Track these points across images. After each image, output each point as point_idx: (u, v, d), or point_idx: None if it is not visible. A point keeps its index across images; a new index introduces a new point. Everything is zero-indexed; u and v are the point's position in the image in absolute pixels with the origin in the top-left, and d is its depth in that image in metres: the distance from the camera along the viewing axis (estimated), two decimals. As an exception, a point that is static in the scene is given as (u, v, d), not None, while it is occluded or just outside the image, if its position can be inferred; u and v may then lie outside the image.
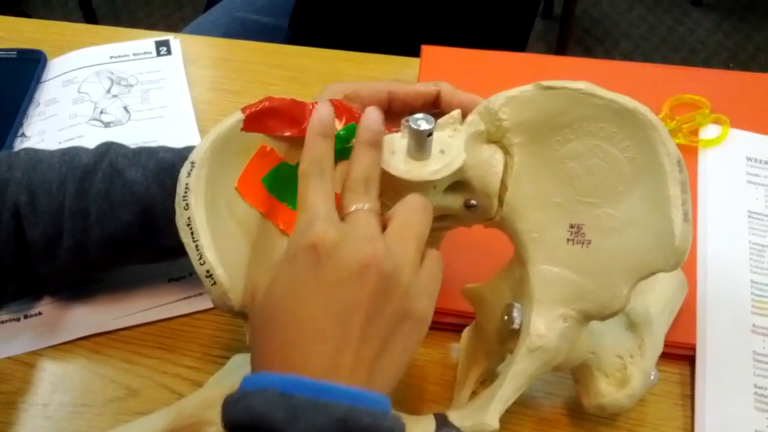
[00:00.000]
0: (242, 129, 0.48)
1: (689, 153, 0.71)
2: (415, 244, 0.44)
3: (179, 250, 0.56)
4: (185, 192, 0.45)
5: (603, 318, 0.48)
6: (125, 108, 0.78)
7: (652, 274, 0.46)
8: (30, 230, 0.57)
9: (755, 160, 0.71)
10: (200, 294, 0.65)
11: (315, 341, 0.40)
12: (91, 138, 0.75)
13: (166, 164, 0.57)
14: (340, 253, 0.41)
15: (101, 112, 0.78)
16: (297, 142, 0.49)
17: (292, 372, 0.39)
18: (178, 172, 0.46)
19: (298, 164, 0.49)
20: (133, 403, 0.59)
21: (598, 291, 0.47)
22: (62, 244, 0.57)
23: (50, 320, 0.63)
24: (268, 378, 0.39)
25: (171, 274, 0.66)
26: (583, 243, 0.48)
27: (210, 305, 0.63)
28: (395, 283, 0.42)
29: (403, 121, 0.48)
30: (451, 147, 0.49)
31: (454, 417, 0.48)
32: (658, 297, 0.57)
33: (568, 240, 0.49)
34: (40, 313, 0.64)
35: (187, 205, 0.45)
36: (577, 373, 0.55)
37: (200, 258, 0.44)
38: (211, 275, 0.44)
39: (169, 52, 0.83)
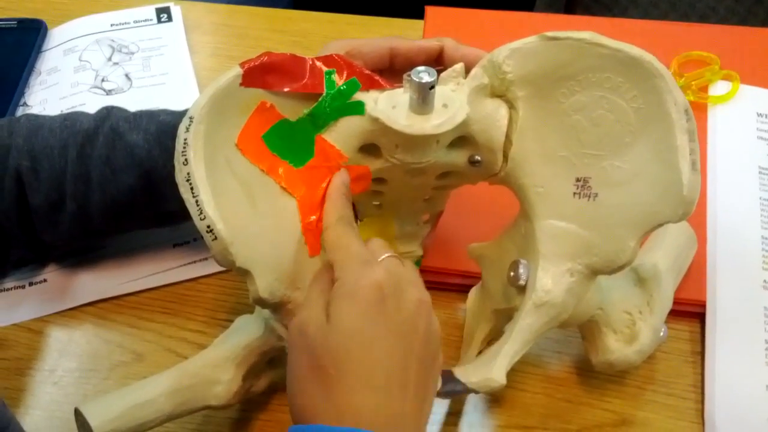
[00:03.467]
0: (241, 84, 0.46)
1: (699, 110, 0.70)
2: None
3: (182, 215, 0.56)
4: (184, 147, 0.44)
5: (610, 272, 0.47)
6: (126, 75, 0.77)
7: (660, 225, 0.45)
8: (33, 196, 0.56)
9: (765, 115, 0.70)
10: (205, 259, 0.64)
11: (377, 389, 0.40)
12: (92, 106, 0.73)
13: (167, 127, 0.57)
14: (401, 294, 0.42)
15: (102, 80, 0.77)
16: (297, 97, 0.48)
17: (352, 419, 0.39)
18: None
19: (299, 121, 0.49)
20: (140, 368, 0.59)
21: (605, 244, 0.47)
22: (65, 209, 0.57)
23: (55, 287, 0.63)
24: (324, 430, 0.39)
25: (175, 239, 0.65)
26: (589, 196, 0.47)
27: (214, 269, 0.63)
28: (434, 327, 0.44)
29: (405, 75, 0.47)
30: (454, 101, 0.48)
31: (460, 373, 0.48)
32: (666, 253, 0.56)
33: (574, 194, 0.48)
34: (45, 281, 0.64)
35: (186, 160, 0.44)
36: (585, 330, 0.54)
37: (200, 213, 0.43)
38: (211, 230, 0.43)
39: (169, 18, 0.82)
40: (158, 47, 0.80)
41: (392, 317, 0.41)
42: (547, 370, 0.58)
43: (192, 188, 0.43)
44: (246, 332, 0.52)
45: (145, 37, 0.81)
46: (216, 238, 0.43)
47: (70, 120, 0.58)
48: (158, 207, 0.58)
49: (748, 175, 0.66)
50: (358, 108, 0.48)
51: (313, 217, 0.48)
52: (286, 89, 0.48)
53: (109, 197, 0.56)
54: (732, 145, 0.68)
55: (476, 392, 0.49)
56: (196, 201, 0.43)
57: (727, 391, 0.55)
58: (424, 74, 0.45)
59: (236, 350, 0.51)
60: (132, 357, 0.60)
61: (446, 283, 0.62)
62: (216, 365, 0.51)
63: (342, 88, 0.48)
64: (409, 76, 0.46)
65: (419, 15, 0.79)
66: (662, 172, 0.45)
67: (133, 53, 0.79)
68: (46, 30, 0.81)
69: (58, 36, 0.81)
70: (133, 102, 0.75)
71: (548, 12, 1.95)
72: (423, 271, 0.61)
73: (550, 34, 0.47)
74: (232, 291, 0.63)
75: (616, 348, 0.53)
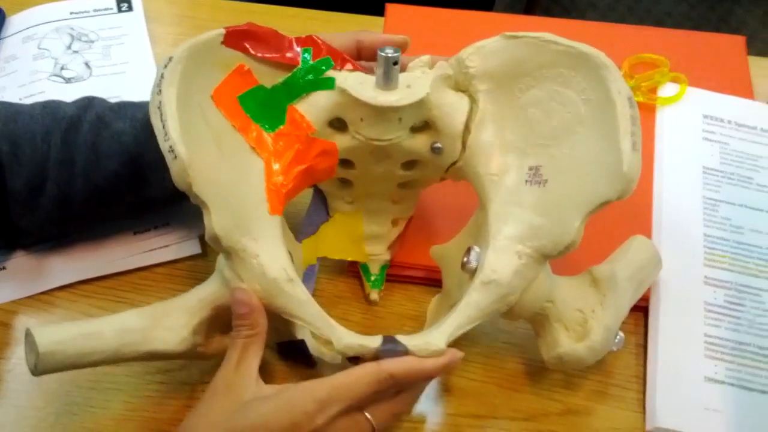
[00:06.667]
0: (222, 42, 0.50)
1: (647, 110, 0.72)
2: None
3: (163, 201, 0.58)
4: (160, 80, 0.47)
5: (557, 254, 0.49)
6: (86, 64, 0.77)
7: (603, 204, 0.47)
8: (12, 180, 0.56)
9: (711, 117, 0.72)
10: (165, 246, 0.64)
11: None
12: (52, 94, 0.74)
13: None
14: None
15: (62, 68, 0.77)
16: (274, 67, 0.53)
17: None
18: None
19: (273, 88, 0.52)
20: (95, 355, 0.59)
21: (553, 228, 0.49)
22: (46, 194, 0.57)
23: (13, 274, 0.63)
24: None
25: (136, 227, 0.65)
26: (540, 183, 0.50)
27: (172, 257, 0.64)
28: None
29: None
30: (418, 83, 0.51)
31: (402, 338, 0.48)
32: (627, 264, 0.56)
33: (526, 182, 0.50)
34: (4, 268, 0.63)
35: (160, 91, 0.47)
36: (537, 326, 0.55)
37: (165, 135, 0.46)
38: (173, 150, 0.45)
39: (130, 8, 0.82)
40: (118, 36, 0.80)
41: None
42: (497, 361, 0.60)
43: (161, 115, 0.46)
44: (202, 288, 0.53)
45: (105, 26, 0.81)
46: (176, 157, 0.45)
47: (50, 107, 0.58)
48: (140, 193, 0.59)
49: (693, 175, 0.68)
50: (329, 83, 0.52)
51: (279, 178, 0.51)
52: (266, 55, 0.52)
53: (93, 183, 0.57)
54: (678, 145, 0.70)
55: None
56: (163, 125, 0.46)
57: (668, 381, 0.57)
58: (389, 50, 0.50)
59: (190, 301, 0.52)
60: (88, 345, 0.60)
61: (411, 276, 0.63)
62: (168, 313, 0.51)
63: (316, 63, 0.52)
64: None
65: (380, 12, 0.80)
66: (605, 154, 0.47)
67: (92, 42, 0.79)
68: (4, 17, 0.80)
69: (16, 23, 0.81)
70: (93, 90, 0.74)
71: (508, 12, 1.98)
72: (390, 266, 0.63)
73: (510, 33, 0.51)
74: (187, 281, 0.63)
75: (566, 343, 0.53)
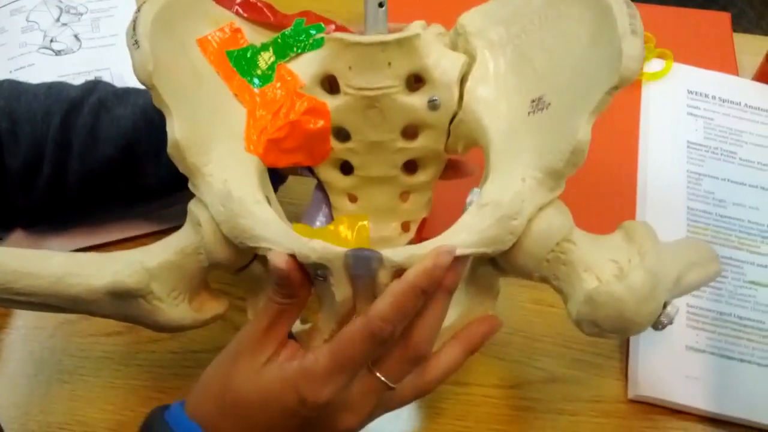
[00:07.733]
0: None
1: (634, 86, 0.73)
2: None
3: (157, 190, 0.58)
4: (142, 4, 0.47)
5: (565, 165, 0.43)
6: (76, 36, 0.77)
7: (607, 95, 0.42)
8: (9, 158, 0.57)
9: (696, 93, 0.73)
10: (156, 216, 0.65)
11: None
12: (42, 66, 0.74)
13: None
14: (322, 415, 0.43)
15: (51, 41, 0.77)
16: (266, 29, 0.54)
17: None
18: None
19: (263, 46, 0.52)
20: (85, 325, 0.60)
21: (558, 139, 0.44)
22: (41, 174, 0.57)
23: (3, 245, 0.63)
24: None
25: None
26: (543, 109, 0.46)
27: (162, 227, 0.64)
28: None
29: None
30: (409, 28, 0.51)
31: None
32: (679, 243, 0.50)
33: (529, 113, 0.47)
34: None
35: (139, 9, 0.47)
36: (561, 281, 0.46)
37: (132, 33, 0.45)
38: (137, 43, 0.45)
39: (119, -20, 0.82)
40: (107, 9, 0.80)
41: (301, 424, 0.43)
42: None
43: (135, 24, 0.46)
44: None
45: (94, -2, 0.81)
46: (139, 48, 0.45)
47: (55, 88, 0.59)
48: (135, 180, 0.59)
49: (678, 149, 0.69)
50: (319, 43, 0.52)
51: (263, 121, 0.50)
52: (255, 18, 0.53)
53: (88, 166, 0.57)
54: (663, 120, 0.71)
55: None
56: (134, 28, 0.45)
57: (650, 350, 0.58)
58: None
59: (152, 245, 0.48)
60: (78, 315, 0.60)
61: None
62: (128, 253, 0.48)
63: (308, 26, 0.53)
64: None
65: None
66: (605, 48, 0.43)
67: (81, 14, 0.79)
68: (-9, -10, 0.80)
69: (4, -4, 0.80)
70: (83, 62, 0.75)
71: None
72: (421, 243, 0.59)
73: None
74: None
75: (599, 283, 0.44)
